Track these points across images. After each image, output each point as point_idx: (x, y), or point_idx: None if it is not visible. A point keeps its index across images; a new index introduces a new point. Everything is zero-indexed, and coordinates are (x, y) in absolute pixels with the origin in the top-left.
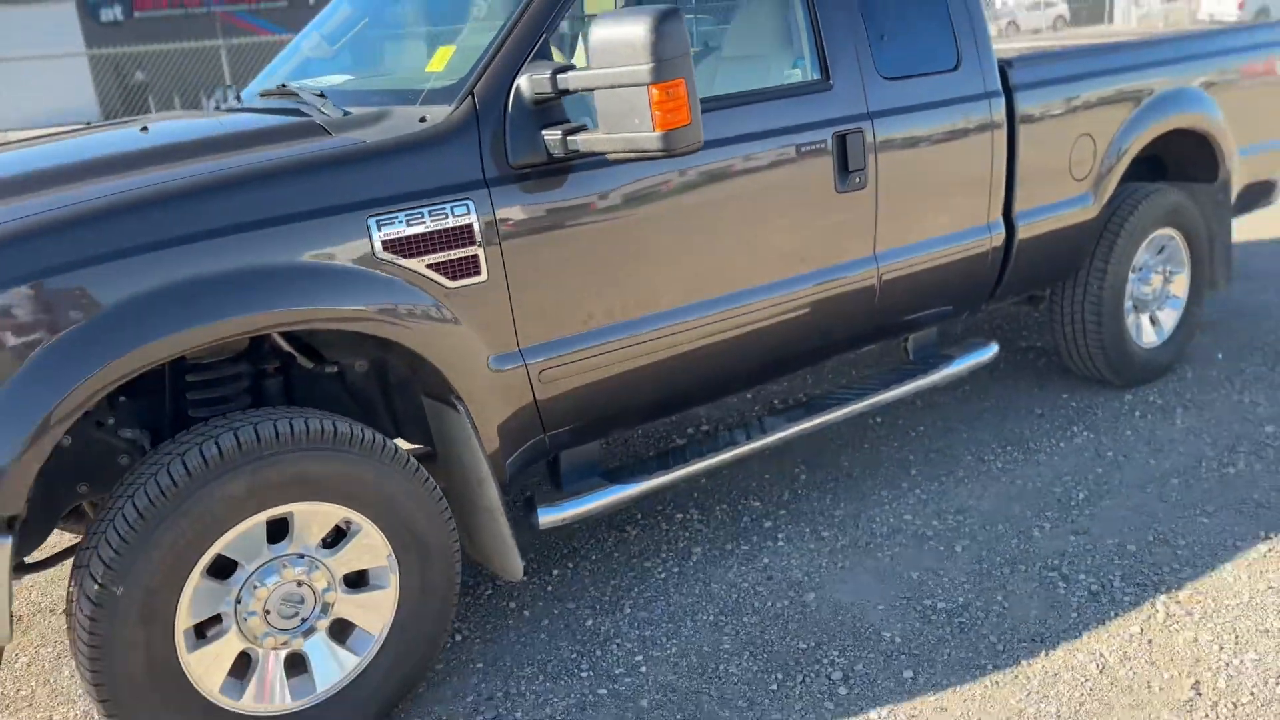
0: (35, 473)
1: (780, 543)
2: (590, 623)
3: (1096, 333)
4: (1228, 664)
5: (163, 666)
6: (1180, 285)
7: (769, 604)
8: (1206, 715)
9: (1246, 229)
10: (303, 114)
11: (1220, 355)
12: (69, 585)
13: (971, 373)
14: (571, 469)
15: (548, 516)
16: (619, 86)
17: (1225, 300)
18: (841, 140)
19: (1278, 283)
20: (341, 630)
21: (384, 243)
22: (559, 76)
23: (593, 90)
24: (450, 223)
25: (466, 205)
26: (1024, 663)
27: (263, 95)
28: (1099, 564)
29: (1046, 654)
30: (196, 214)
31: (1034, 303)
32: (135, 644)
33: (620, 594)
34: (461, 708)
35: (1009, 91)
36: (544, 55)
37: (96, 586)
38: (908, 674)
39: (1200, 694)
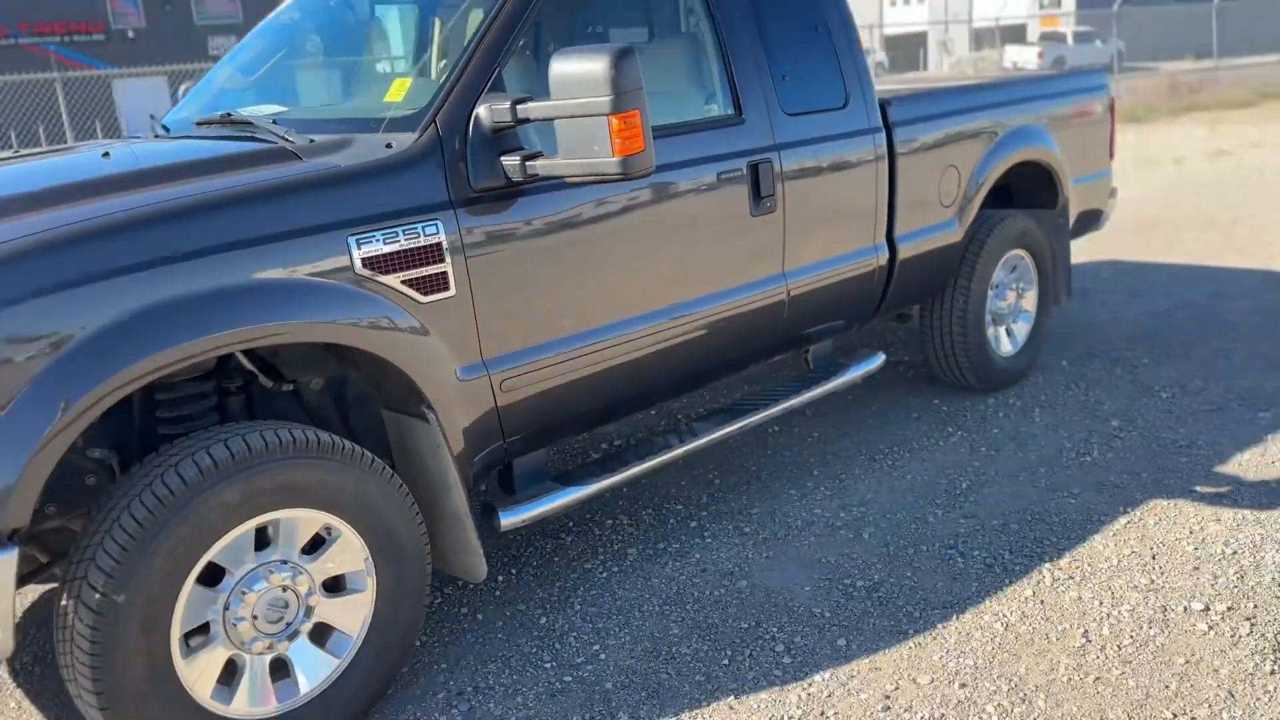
0: (41, 487)
1: (708, 539)
2: (544, 620)
3: (963, 343)
4: (1108, 615)
5: (161, 673)
6: (1030, 300)
7: (707, 593)
8: (1097, 656)
9: (1078, 252)
10: (261, 140)
11: (1065, 362)
12: (61, 600)
13: (865, 379)
14: (524, 475)
15: (509, 519)
16: (581, 116)
17: (1064, 315)
18: (754, 169)
19: (1106, 299)
20: (321, 634)
21: (363, 260)
22: (519, 107)
23: (553, 119)
24: (422, 241)
25: (436, 225)
26: (939, 626)
27: (201, 124)
28: (988, 541)
29: (957, 617)
30: (191, 233)
31: (901, 320)
32: (136, 651)
33: (567, 593)
34: (435, 704)
35: (889, 127)
36: (498, 87)
37: (98, 595)
38: (841, 642)
39: (1090, 640)
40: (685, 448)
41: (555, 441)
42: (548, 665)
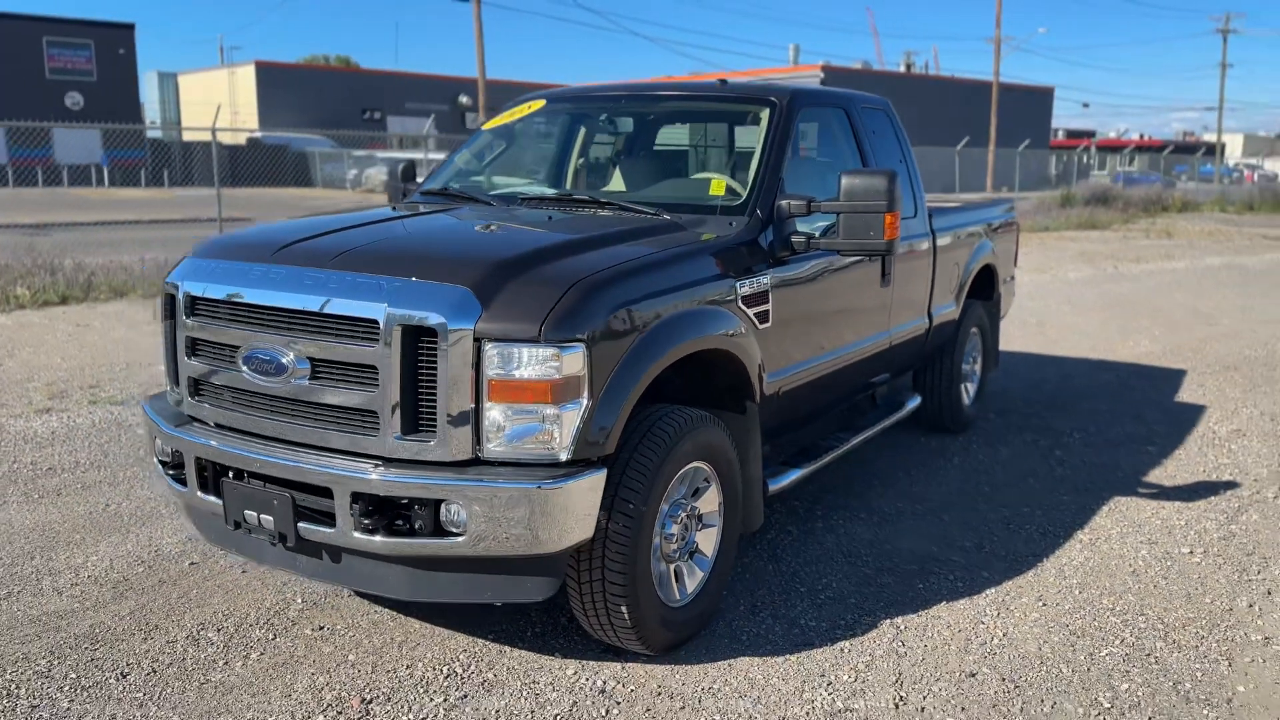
0: (624, 427)
1: (839, 522)
2: (770, 567)
3: (948, 394)
4: (1137, 555)
5: (647, 567)
6: (978, 366)
7: (868, 551)
8: (1147, 572)
9: None
10: (639, 213)
11: (993, 415)
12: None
13: (911, 413)
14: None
15: (775, 485)
16: (864, 212)
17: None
18: (883, 258)
19: (1006, 374)
20: (692, 554)
21: (741, 297)
22: (812, 203)
23: (840, 212)
24: (760, 288)
25: (766, 277)
26: (1040, 563)
27: (528, 200)
28: (1029, 520)
29: (1047, 559)
30: (669, 275)
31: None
32: (644, 547)
33: (771, 551)
34: (740, 613)
35: (933, 232)
36: (784, 188)
37: (630, 506)
38: (984, 574)
39: (1136, 568)
40: (847, 446)
41: (781, 435)
42: (802, 590)
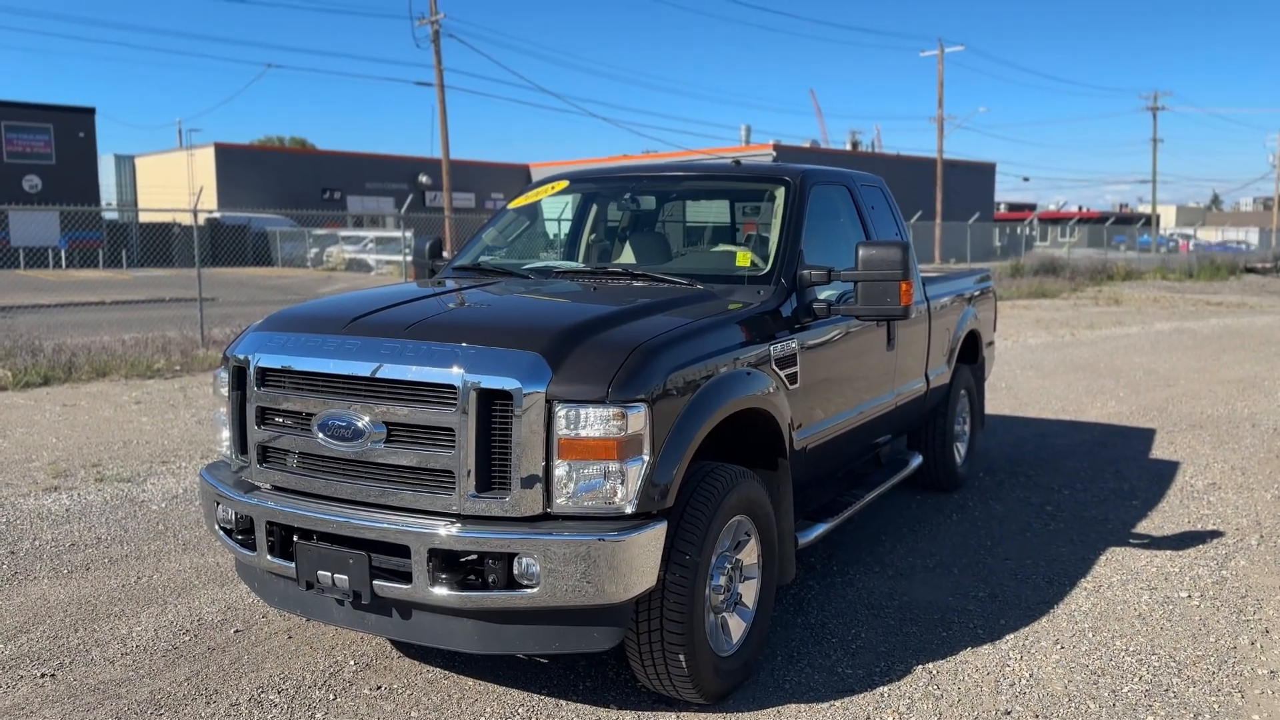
0: (680, 482)
1: (855, 576)
2: (799, 620)
3: (942, 453)
4: (1141, 600)
5: (701, 614)
6: (967, 426)
7: (888, 604)
8: (1153, 615)
9: None
10: (674, 283)
11: (983, 474)
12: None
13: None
14: None
15: (805, 539)
16: (880, 280)
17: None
18: (888, 323)
19: (988, 435)
20: (735, 604)
21: (774, 359)
22: (832, 272)
23: (859, 281)
24: (789, 350)
25: (794, 341)
26: (1052, 609)
27: (564, 273)
28: (1036, 571)
29: (1058, 607)
30: (713, 340)
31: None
32: (699, 598)
33: (800, 606)
34: (777, 664)
35: (928, 299)
36: (804, 259)
37: (687, 557)
38: (1002, 621)
39: (1141, 613)
40: (864, 500)
41: (805, 491)
42: (834, 640)
